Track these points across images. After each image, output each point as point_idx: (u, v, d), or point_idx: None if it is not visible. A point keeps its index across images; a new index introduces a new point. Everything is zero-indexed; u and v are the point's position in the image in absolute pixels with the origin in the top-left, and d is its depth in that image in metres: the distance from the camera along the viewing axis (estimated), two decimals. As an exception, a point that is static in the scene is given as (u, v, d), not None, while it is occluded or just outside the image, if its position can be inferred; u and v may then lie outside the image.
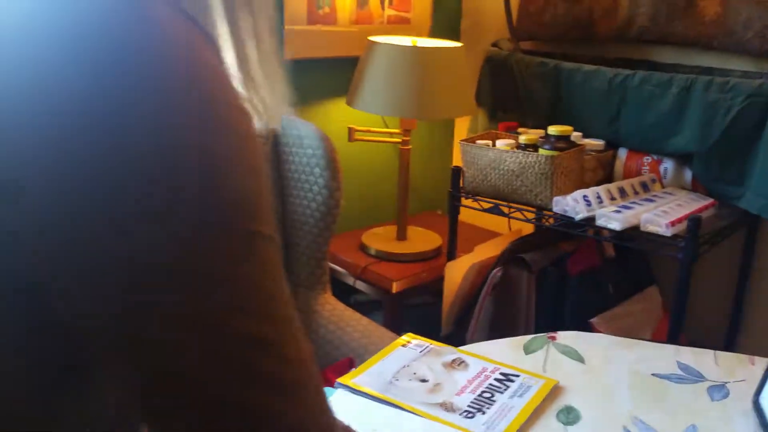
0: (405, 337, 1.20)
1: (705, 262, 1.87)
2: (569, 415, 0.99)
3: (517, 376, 1.08)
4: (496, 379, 1.06)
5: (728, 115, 1.48)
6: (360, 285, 1.82)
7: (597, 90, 1.67)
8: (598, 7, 1.81)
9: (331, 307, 1.62)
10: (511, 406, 1.00)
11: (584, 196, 1.47)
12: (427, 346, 1.16)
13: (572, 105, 1.74)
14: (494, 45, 1.99)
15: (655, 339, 1.55)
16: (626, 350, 1.19)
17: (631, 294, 1.67)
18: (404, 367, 1.10)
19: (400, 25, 2.04)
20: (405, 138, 1.86)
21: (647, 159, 1.67)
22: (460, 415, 0.97)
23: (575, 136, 1.66)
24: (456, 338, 1.77)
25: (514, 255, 1.64)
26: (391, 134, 1.88)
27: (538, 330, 1.63)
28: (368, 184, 2.11)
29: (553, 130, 1.59)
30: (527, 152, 1.55)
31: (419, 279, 1.78)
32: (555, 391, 1.05)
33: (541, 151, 1.57)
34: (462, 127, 2.23)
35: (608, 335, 1.25)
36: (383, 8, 1.99)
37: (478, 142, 1.70)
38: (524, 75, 1.82)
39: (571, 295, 1.58)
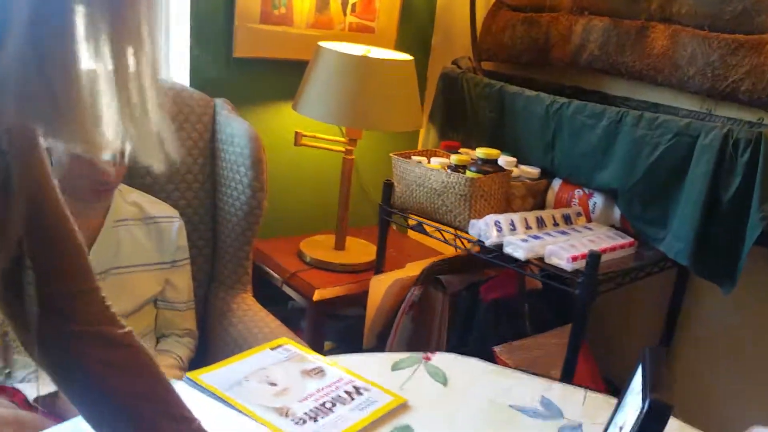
0: (279, 341, 1.25)
1: (635, 301, 1.89)
2: (401, 433, 1.04)
3: (368, 390, 1.12)
4: (346, 391, 1.11)
5: (654, 153, 1.50)
6: (287, 290, 1.88)
7: (536, 116, 1.71)
8: (554, 32, 1.85)
9: (246, 307, 1.68)
10: (347, 417, 1.05)
11: (496, 221, 1.51)
12: (295, 353, 1.22)
13: (514, 129, 1.78)
14: (454, 62, 2.04)
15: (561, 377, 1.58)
16: (496, 379, 1.23)
17: (549, 328, 1.70)
18: (261, 369, 1.15)
19: (362, 33, 2.10)
20: (349, 147, 1.91)
21: (578, 192, 1.70)
22: (292, 420, 1.02)
23: (508, 161, 1.70)
24: (377, 352, 1.81)
25: (433, 275, 1.68)
26: (336, 142, 1.94)
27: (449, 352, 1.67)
28: (315, 191, 2.17)
29: (480, 152, 1.63)
30: (449, 172, 1.60)
31: (346, 290, 1.83)
32: (401, 410, 1.09)
33: (467, 173, 1.62)
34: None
35: (486, 363, 1.29)
36: (345, 14, 2.05)
37: (414, 158, 1.75)
38: (472, 95, 1.87)
39: (480, 320, 1.62)
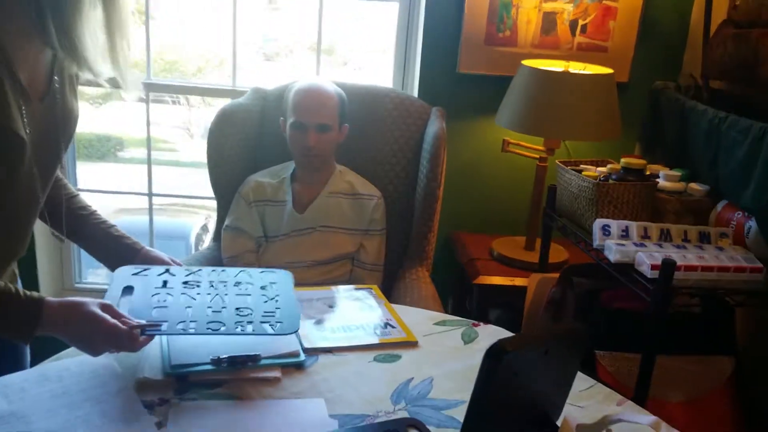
0: (369, 286, 1.61)
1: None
2: (388, 357, 1.31)
3: (394, 327, 1.42)
4: (375, 323, 1.43)
5: (793, 174, 1.41)
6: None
7: (702, 132, 1.69)
8: (763, 49, 1.76)
9: (415, 277, 2.04)
10: (355, 336, 1.36)
11: (604, 226, 1.58)
12: (369, 294, 1.56)
13: (691, 146, 1.77)
14: (674, 80, 2.05)
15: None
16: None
17: (687, 353, 1.65)
18: (333, 296, 1.54)
19: (592, 53, 2.24)
20: (543, 155, 2.11)
21: (737, 215, 1.61)
22: (315, 325, 1.39)
23: (668, 175, 1.72)
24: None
25: (570, 276, 1.80)
26: (538, 150, 2.14)
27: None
28: (522, 195, 2.37)
29: (624, 161, 1.70)
30: (584, 177, 1.71)
31: (507, 281, 2.04)
32: (406, 346, 1.36)
33: (610, 181, 1.71)
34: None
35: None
36: (573, 35, 2.23)
37: (582, 165, 1.89)
38: (666, 111, 1.90)
39: (596, 325, 1.68)
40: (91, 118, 10.39)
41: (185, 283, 1.31)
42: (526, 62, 2.07)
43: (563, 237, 1.92)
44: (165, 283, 1.30)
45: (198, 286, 1.30)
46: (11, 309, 1.03)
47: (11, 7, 1.02)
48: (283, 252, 2.03)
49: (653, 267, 1.42)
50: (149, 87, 2.43)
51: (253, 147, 2.21)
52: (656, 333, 1.42)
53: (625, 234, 1.58)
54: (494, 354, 1.00)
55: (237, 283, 1.33)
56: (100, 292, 2.67)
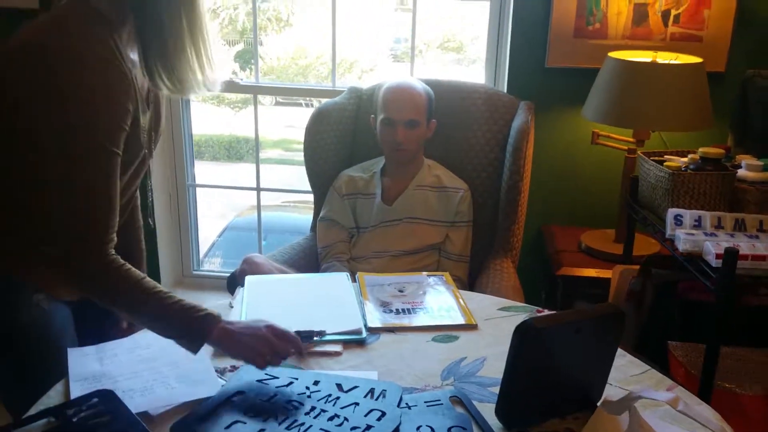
0: (441, 273, 1.70)
1: None
2: (445, 337, 1.40)
3: (457, 311, 1.50)
4: (440, 306, 1.52)
5: None
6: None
7: (788, 119, 1.64)
8: None
9: (499, 268, 2.09)
10: (416, 318, 1.46)
11: (677, 215, 1.57)
12: (440, 282, 1.65)
13: (778, 134, 1.72)
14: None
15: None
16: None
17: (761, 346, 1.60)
18: (405, 282, 1.64)
19: (687, 43, 2.18)
20: (631, 147, 2.10)
21: (823, 203, 1.55)
22: (381, 308, 1.50)
23: (750, 164, 1.68)
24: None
25: (649, 267, 1.79)
26: (627, 142, 2.13)
27: (644, 338, 1.78)
28: (613, 187, 2.34)
29: (701, 151, 1.68)
30: (661, 167, 1.70)
31: (592, 273, 2.05)
32: (466, 328, 1.44)
33: (689, 171, 1.69)
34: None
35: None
36: (666, 25, 2.19)
37: (667, 156, 1.87)
38: (753, 100, 1.84)
39: (669, 315, 1.66)
40: (231, 122, 11.13)
41: (289, 402, 1.16)
42: (613, 54, 2.07)
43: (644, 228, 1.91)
44: (271, 397, 1.17)
45: (298, 408, 1.14)
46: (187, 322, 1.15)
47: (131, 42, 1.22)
48: (372, 242, 2.15)
49: (717, 256, 1.41)
50: (256, 89, 2.64)
51: (348, 143, 2.35)
52: (721, 323, 1.40)
53: (698, 224, 1.57)
54: (523, 330, 1.06)
55: (333, 417, 1.12)
56: (216, 279, 2.91)
